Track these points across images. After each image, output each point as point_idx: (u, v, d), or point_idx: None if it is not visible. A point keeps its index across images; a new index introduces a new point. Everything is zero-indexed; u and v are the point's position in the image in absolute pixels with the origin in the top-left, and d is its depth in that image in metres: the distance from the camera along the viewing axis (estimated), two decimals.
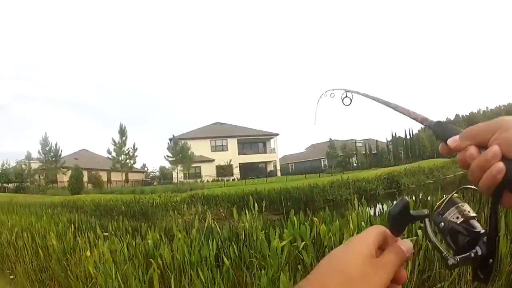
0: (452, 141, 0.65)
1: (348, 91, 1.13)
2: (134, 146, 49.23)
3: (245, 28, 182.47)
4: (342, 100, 1.14)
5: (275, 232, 4.74)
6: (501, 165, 0.57)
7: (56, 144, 49.50)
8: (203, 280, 4.24)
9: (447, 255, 0.60)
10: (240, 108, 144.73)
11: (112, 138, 48.26)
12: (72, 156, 57.25)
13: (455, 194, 0.67)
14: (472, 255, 0.60)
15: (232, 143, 56.13)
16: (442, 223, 0.64)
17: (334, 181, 31.31)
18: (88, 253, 5.26)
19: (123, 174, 51.45)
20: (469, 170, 0.62)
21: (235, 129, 59.44)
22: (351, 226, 4.48)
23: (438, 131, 0.70)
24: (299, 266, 4.36)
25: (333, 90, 1.22)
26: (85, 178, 46.90)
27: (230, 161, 53.19)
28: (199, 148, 51.99)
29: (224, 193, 28.51)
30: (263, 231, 5.11)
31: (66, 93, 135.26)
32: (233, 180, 49.28)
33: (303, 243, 4.45)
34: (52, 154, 49.06)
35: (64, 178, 48.27)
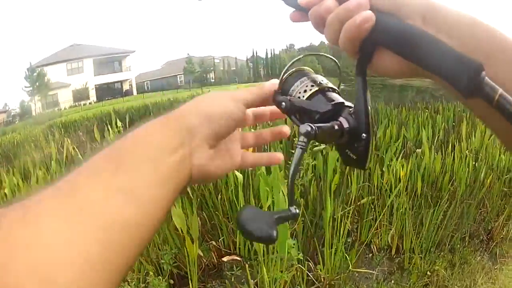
0: None
1: None
2: None
3: None
4: None
5: None
6: (368, 13, 0.44)
7: None
8: None
9: (296, 120, 0.51)
10: (97, 26, 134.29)
11: None
12: None
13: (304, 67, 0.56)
14: (336, 126, 0.47)
15: (88, 64, 52.72)
16: (285, 102, 0.52)
17: (194, 95, 31.06)
18: None
19: None
20: (325, 27, 0.48)
21: (92, 49, 55.74)
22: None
23: None
24: None
25: None
26: None
27: (86, 83, 50.63)
28: (56, 74, 48.62)
29: (82, 117, 27.17)
30: None
31: None
32: (89, 103, 47.54)
33: None
34: None
35: None
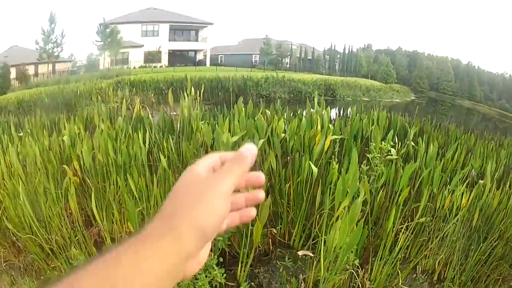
0: None
1: None
2: (62, 33, 44.96)
3: None
4: None
5: (224, 123, 3.88)
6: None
7: None
8: (134, 188, 3.25)
9: None
10: None
11: (41, 28, 42.80)
12: (1, 55, 51.87)
13: None
14: None
15: (164, 29, 52.22)
16: None
17: (268, 77, 30.90)
18: None
19: (50, 65, 47.95)
20: None
21: (168, 15, 54.94)
22: (319, 126, 3.69)
23: None
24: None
25: None
26: (13, 75, 42.76)
27: (160, 47, 50.69)
28: (129, 33, 48.08)
29: (152, 79, 27.37)
30: (203, 122, 4.38)
31: None
32: (160, 67, 47.16)
33: (262, 140, 3.52)
34: None
35: None
